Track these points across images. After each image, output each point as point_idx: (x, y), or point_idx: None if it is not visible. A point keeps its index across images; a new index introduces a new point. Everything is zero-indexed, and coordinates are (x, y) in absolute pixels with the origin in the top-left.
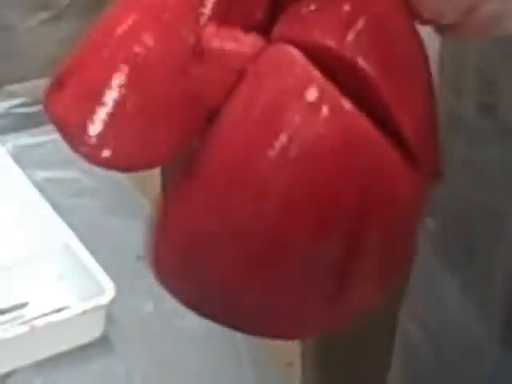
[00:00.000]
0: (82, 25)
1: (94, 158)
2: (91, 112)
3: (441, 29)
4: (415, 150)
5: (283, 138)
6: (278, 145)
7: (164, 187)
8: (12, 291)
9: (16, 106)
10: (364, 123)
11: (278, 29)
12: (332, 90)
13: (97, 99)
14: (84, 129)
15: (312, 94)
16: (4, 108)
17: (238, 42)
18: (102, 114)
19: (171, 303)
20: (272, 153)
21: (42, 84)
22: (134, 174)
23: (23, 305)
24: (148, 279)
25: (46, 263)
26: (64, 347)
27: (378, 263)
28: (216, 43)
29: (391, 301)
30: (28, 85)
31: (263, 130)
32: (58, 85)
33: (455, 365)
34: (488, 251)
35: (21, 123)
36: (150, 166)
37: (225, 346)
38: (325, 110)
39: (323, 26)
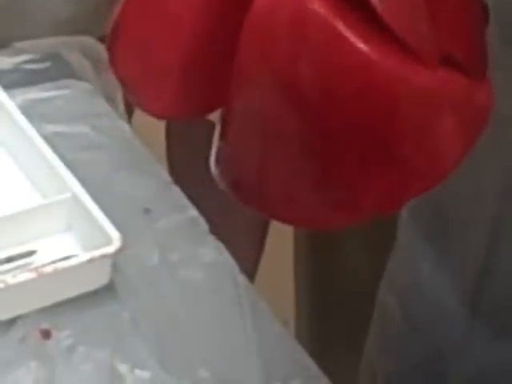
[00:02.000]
0: None
1: (149, 111)
2: (143, 66)
3: None
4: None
5: None
6: None
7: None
8: (20, 240)
9: (25, 62)
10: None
11: None
12: None
13: (147, 53)
14: (139, 83)
15: None
16: (13, 64)
17: None
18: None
19: (177, 255)
20: None
21: (51, 41)
22: (141, 131)
23: (31, 253)
24: (155, 232)
25: (54, 214)
26: (71, 294)
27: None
28: None
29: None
30: (38, 42)
31: None
32: (113, 37)
33: (427, 335)
34: (462, 223)
35: (30, 78)
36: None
37: (228, 299)
38: None
39: None
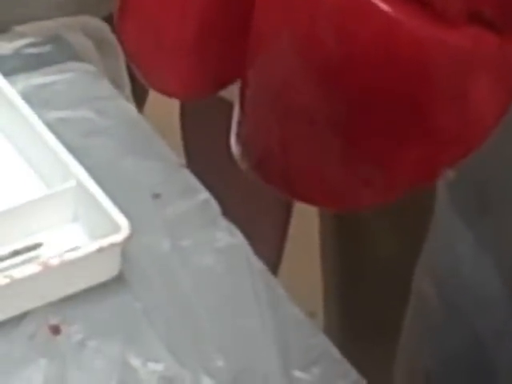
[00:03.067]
0: None
1: (156, 88)
2: (155, 41)
3: None
4: None
5: None
6: None
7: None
8: (25, 232)
9: (25, 46)
10: None
11: None
12: None
13: (158, 28)
14: (151, 60)
15: None
16: (13, 49)
17: None
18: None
19: (189, 241)
20: None
21: (52, 23)
22: (153, 116)
23: (37, 245)
24: (165, 217)
25: (59, 203)
26: (79, 287)
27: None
28: None
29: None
30: (38, 24)
31: None
32: (121, 13)
33: (468, 322)
34: (504, 202)
35: (31, 63)
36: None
37: (243, 284)
38: None
39: None
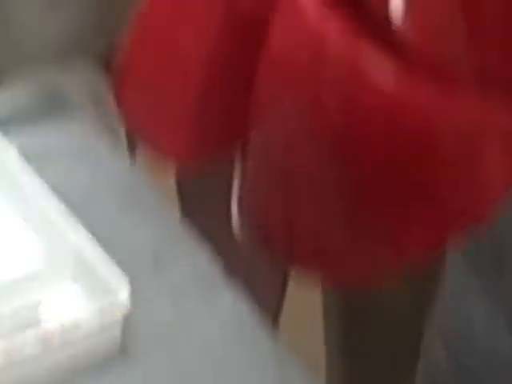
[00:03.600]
0: (83, 4)
1: (165, 155)
2: (155, 109)
3: None
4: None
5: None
6: None
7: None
8: (24, 293)
9: (22, 100)
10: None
11: None
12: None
13: (158, 95)
14: (152, 127)
15: None
16: (9, 102)
17: None
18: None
19: (192, 306)
20: None
21: (47, 74)
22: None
23: (35, 307)
24: (166, 281)
25: (59, 267)
26: (80, 362)
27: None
28: None
29: (419, 308)
30: (34, 76)
31: None
32: (120, 80)
33: None
34: None
35: (28, 119)
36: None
37: (249, 349)
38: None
39: None
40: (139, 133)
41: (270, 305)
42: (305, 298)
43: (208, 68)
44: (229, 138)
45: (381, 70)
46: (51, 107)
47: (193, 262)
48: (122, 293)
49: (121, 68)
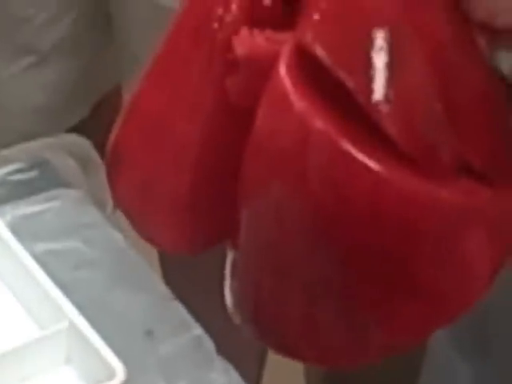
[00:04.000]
0: (66, 69)
1: (148, 240)
2: (148, 198)
3: (494, 36)
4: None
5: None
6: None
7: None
8: (18, 376)
9: (11, 173)
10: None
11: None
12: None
13: (151, 185)
14: (144, 215)
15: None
16: (0, 176)
17: (272, 44)
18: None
19: (183, 381)
20: None
21: (36, 145)
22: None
23: None
24: (158, 356)
25: (51, 345)
26: None
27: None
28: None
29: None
30: (22, 147)
31: None
32: (113, 167)
33: None
34: (504, 345)
35: (18, 192)
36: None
37: None
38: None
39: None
40: (132, 221)
41: (250, 372)
42: (286, 366)
43: (201, 157)
44: (222, 228)
45: (364, 158)
46: (41, 178)
47: (184, 335)
48: (116, 364)
49: (113, 150)
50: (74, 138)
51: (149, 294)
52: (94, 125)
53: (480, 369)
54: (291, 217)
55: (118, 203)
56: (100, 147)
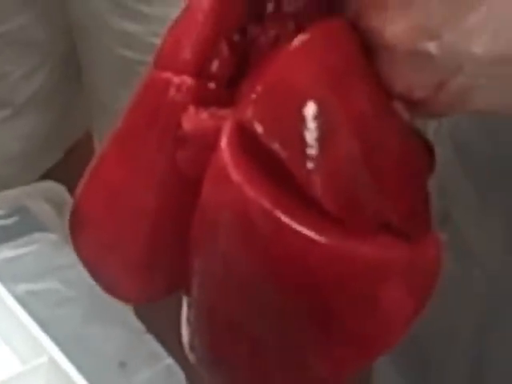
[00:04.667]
0: (40, 120)
1: (110, 294)
2: (108, 255)
3: (411, 106)
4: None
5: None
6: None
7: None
8: None
9: None
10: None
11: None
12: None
13: (111, 243)
14: (103, 270)
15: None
16: None
17: (216, 120)
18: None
19: None
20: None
21: (14, 194)
22: None
23: None
24: None
25: (32, 379)
26: None
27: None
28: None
29: None
30: (2, 195)
31: None
32: (75, 224)
33: None
34: (440, 366)
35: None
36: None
37: None
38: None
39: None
40: (95, 276)
41: None
42: None
43: (156, 219)
44: (177, 281)
45: (293, 223)
46: (20, 223)
47: (155, 366)
48: None
49: (75, 212)
50: (49, 185)
51: (122, 328)
52: (67, 169)
53: None
54: (235, 274)
55: (81, 259)
56: (73, 190)
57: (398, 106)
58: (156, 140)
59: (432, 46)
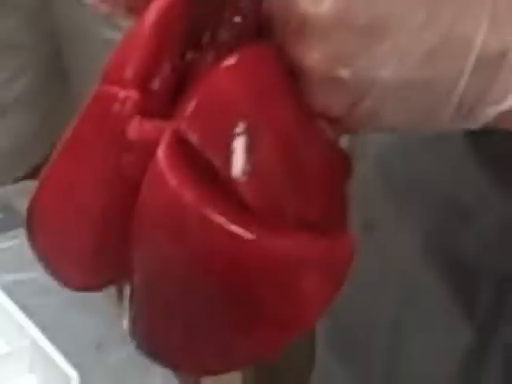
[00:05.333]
0: (29, 119)
1: (62, 282)
2: (59, 248)
3: (330, 122)
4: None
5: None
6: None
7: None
8: None
9: None
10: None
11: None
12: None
13: (61, 236)
14: (55, 261)
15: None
16: None
17: (157, 130)
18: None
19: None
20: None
21: (1, 191)
22: None
23: None
24: (108, 364)
25: (17, 359)
26: None
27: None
28: (139, 134)
29: None
30: None
31: None
32: (30, 219)
33: None
34: (367, 352)
35: None
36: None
37: None
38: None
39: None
40: (47, 266)
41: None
42: None
43: (102, 216)
44: (121, 272)
45: (222, 221)
46: (6, 219)
47: (129, 346)
48: (71, 372)
49: (31, 209)
50: (33, 184)
51: (98, 314)
52: None
53: (349, 367)
54: (169, 266)
55: (35, 253)
56: None
57: (322, 122)
58: (102, 146)
59: (345, 73)
